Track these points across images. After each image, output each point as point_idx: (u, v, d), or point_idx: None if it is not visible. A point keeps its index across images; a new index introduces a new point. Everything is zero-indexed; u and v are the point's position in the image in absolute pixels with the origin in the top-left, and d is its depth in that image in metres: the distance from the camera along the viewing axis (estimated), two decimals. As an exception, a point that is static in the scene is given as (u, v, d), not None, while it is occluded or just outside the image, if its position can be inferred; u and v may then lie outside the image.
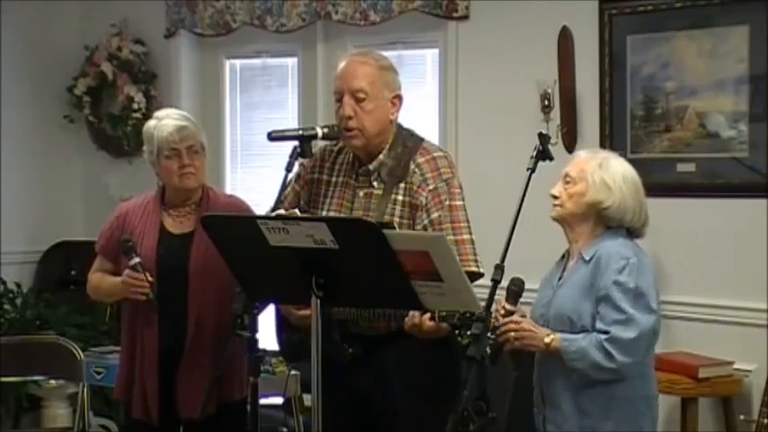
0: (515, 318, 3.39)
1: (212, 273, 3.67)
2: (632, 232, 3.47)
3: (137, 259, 3.71)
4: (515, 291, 3.42)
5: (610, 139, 4.92)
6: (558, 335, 3.35)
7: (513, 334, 3.37)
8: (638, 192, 3.44)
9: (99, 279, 3.92)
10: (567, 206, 3.43)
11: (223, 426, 3.70)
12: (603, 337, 3.28)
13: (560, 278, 3.49)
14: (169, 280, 3.74)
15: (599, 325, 3.31)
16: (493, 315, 3.30)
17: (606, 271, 3.33)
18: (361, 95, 3.45)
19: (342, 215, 3.50)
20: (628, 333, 3.28)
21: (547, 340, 3.35)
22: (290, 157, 3.36)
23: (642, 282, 3.33)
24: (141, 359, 3.78)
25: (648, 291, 3.34)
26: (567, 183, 3.44)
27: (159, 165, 3.80)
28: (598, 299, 3.33)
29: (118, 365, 4.00)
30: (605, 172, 3.40)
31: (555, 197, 3.46)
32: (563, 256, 3.56)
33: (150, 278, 3.69)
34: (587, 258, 3.40)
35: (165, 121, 3.79)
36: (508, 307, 3.41)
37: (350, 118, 3.45)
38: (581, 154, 3.52)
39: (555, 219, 3.49)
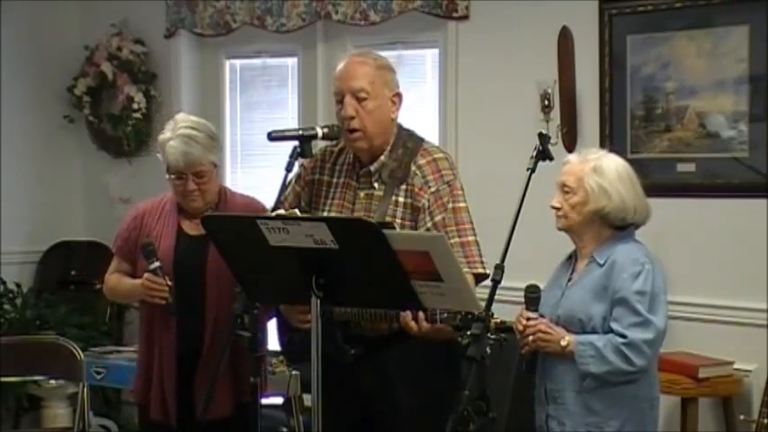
0: (532, 322, 3.42)
1: (229, 275, 3.66)
2: (637, 225, 3.51)
3: (157, 263, 3.70)
4: (534, 297, 3.45)
5: (610, 139, 4.92)
6: (573, 337, 3.37)
7: (531, 337, 3.40)
8: (635, 186, 3.48)
9: (116, 280, 3.91)
10: (572, 217, 3.46)
11: (240, 425, 3.68)
12: (621, 340, 3.32)
13: (569, 279, 3.51)
14: (186, 282, 3.73)
15: (616, 327, 3.34)
16: (515, 327, 3.40)
17: (621, 275, 3.37)
18: (363, 95, 3.45)
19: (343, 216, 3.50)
20: (646, 335, 3.33)
21: (563, 343, 3.38)
22: (290, 157, 3.36)
23: (656, 285, 3.38)
24: (159, 361, 3.78)
25: (661, 294, 3.39)
26: (567, 193, 3.46)
27: (168, 179, 3.79)
28: (614, 301, 3.36)
29: (135, 366, 3.99)
30: (600, 176, 3.43)
31: (557, 208, 3.47)
32: (569, 257, 3.58)
33: (170, 282, 3.68)
34: (601, 262, 3.42)
35: (174, 142, 3.70)
36: (530, 315, 3.43)
37: (352, 118, 3.45)
38: (572, 159, 3.54)
39: (561, 230, 3.51)
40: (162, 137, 3.79)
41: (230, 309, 3.65)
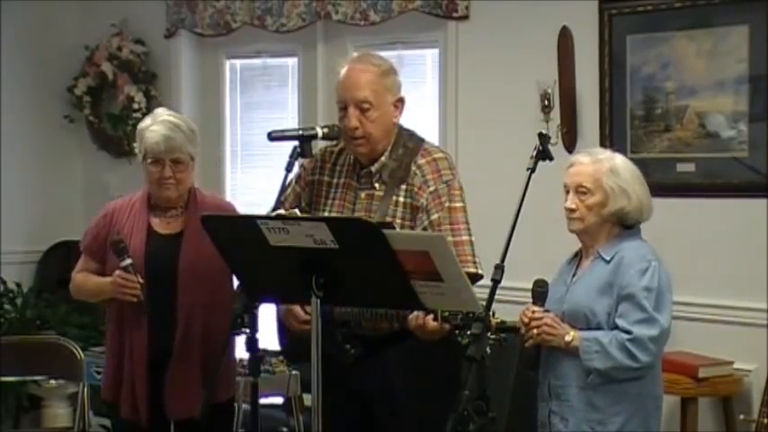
0: (537, 315, 3.42)
1: (201, 274, 3.67)
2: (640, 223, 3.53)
3: (129, 261, 3.69)
4: (541, 292, 3.45)
5: (610, 139, 4.92)
6: (578, 333, 3.37)
7: (535, 331, 3.40)
8: (644, 185, 3.51)
9: (83, 279, 3.89)
10: (589, 219, 3.45)
11: (210, 426, 3.69)
12: (626, 336, 3.32)
13: (574, 276, 3.52)
14: (157, 280, 3.72)
15: (621, 323, 3.35)
16: (520, 320, 3.42)
17: (629, 271, 3.38)
18: (366, 106, 3.45)
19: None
20: (651, 331, 3.34)
21: (567, 339, 3.39)
22: (291, 157, 3.36)
23: (662, 283, 3.39)
24: (130, 360, 3.77)
25: (666, 292, 3.40)
26: (583, 194, 3.44)
27: (144, 167, 3.80)
28: (620, 297, 3.37)
29: (104, 366, 3.97)
30: (618, 177, 3.43)
31: (572, 210, 3.46)
32: (575, 255, 3.58)
33: (141, 280, 3.68)
34: (607, 258, 3.43)
35: (156, 127, 3.74)
36: (536, 309, 3.43)
37: (356, 128, 3.45)
38: (582, 159, 3.51)
39: (575, 232, 3.50)
40: (142, 125, 3.82)
41: (202, 308, 3.72)
